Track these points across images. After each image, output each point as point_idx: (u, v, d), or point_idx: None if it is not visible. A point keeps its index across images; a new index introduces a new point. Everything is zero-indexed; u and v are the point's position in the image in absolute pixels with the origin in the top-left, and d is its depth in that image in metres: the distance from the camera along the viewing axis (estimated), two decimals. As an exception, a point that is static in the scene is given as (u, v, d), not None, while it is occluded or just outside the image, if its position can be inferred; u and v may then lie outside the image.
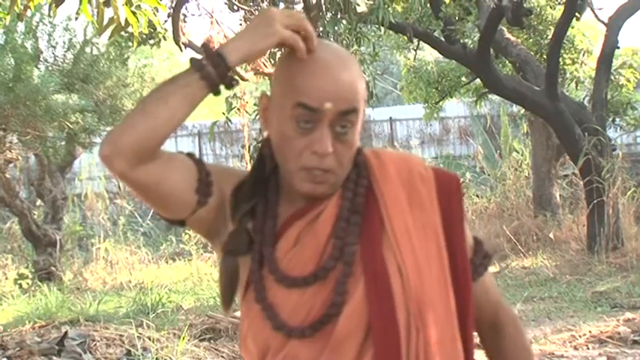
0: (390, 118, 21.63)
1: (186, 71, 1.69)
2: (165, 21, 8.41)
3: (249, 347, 1.77)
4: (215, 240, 1.84)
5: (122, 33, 4.98)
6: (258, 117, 9.52)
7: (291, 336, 1.70)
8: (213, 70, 1.67)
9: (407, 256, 1.71)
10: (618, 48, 12.47)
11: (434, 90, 15.22)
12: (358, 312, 1.68)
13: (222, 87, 1.70)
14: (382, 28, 9.55)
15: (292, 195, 1.78)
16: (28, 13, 4.84)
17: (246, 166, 9.33)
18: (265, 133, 1.83)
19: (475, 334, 1.88)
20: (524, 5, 11.64)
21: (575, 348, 7.21)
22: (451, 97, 15.78)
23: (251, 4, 8.72)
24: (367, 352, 1.68)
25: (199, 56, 1.70)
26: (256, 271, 1.75)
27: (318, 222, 1.75)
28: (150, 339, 7.12)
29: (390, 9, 8.62)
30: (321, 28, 8.35)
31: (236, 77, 1.71)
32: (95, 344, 7.00)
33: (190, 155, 1.80)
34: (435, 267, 1.74)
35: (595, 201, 11.38)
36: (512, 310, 2.04)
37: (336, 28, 8.52)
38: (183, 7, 8.91)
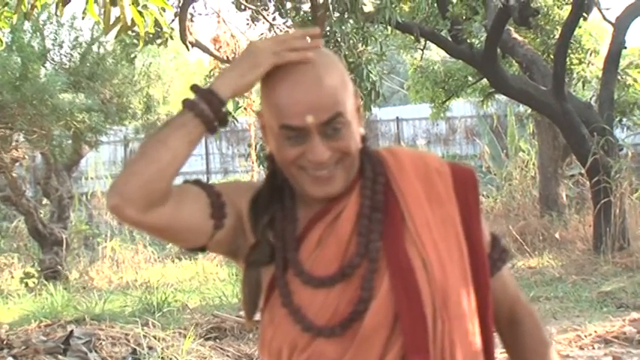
0: (397, 117, 21.65)
1: (180, 112, 1.72)
2: (172, 20, 8.42)
3: (273, 352, 1.78)
4: (237, 256, 1.85)
5: (129, 32, 4.98)
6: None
7: (319, 335, 1.71)
8: (207, 106, 1.69)
9: (430, 250, 1.72)
10: (625, 48, 12.44)
11: (440, 90, 15.22)
12: (385, 307, 1.69)
13: (217, 125, 1.72)
14: (389, 28, 9.57)
15: (308, 199, 1.79)
16: (35, 12, 4.84)
17: (252, 165, 9.33)
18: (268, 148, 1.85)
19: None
20: (532, 5, 11.62)
21: (581, 348, 7.19)
22: (458, 96, 15.79)
23: (258, 3, 8.73)
24: (392, 348, 1.69)
25: (198, 87, 1.72)
26: (281, 276, 1.75)
27: (338, 222, 1.76)
28: (155, 338, 7.12)
29: (397, 9, 8.62)
30: (328, 28, 8.35)
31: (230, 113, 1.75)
32: (101, 343, 7.01)
33: (197, 182, 1.81)
34: (457, 260, 1.75)
35: (602, 201, 11.35)
36: (530, 304, 2.04)
37: (343, 27, 8.52)
38: (190, 6, 8.92)
